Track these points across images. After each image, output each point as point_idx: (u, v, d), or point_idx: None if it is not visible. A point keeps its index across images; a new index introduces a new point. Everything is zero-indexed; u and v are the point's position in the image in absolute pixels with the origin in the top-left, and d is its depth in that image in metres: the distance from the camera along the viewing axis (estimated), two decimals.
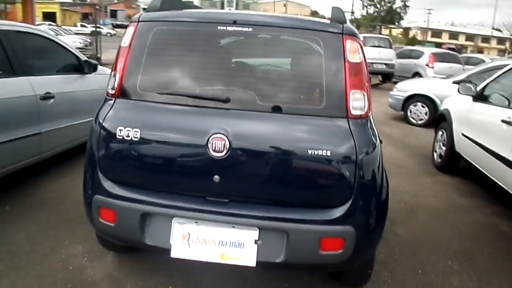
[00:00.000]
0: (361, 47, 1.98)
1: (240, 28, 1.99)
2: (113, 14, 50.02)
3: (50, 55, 4.02)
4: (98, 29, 17.40)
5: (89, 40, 19.92)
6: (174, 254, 1.95)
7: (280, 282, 2.48)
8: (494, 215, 3.81)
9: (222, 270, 2.49)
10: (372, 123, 2.04)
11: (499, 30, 65.34)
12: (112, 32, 38.43)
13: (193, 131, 1.91)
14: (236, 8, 68.42)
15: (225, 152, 1.84)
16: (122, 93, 2.05)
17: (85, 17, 59.36)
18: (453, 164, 4.84)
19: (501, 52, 54.73)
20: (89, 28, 40.05)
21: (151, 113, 2.00)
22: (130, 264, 2.59)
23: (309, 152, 1.84)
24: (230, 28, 1.99)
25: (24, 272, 2.47)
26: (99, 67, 4.53)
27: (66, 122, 3.92)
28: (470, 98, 4.35)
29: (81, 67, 4.29)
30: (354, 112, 1.91)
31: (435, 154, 5.24)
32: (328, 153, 1.84)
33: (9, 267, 2.50)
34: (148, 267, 2.56)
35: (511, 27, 57.89)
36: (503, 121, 3.47)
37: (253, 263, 1.90)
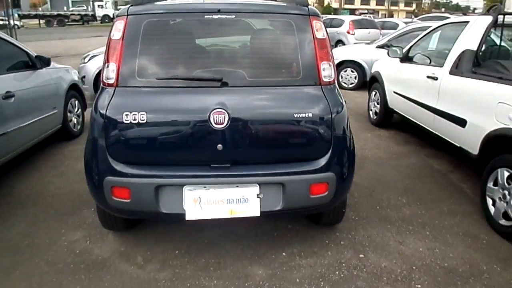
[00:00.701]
0: (324, 25, 2.38)
1: (224, 16, 2.29)
2: (16, 3, 45.85)
3: (1, 53, 3.95)
4: (8, 21, 16.07)
5: None
6: (188, 216, 2.26)
7: (270, 232, 2.89)
8: (427, 157, 4.52)
9: (219, 231, 2.87)
10: (337, 87, 2.46)
11: None
12: (19, 23, 35.44)
13: (195, 109, 2.21)
14: None
15: (225, 123, 2.17)
16: (121, 81, 2.26)
17: None
18: (387, 119, 5.53)
19: (409, 14, 59.02)
20: None
21: (154, 96, 2.25)
22: (133, 239, 2.84)
23: (295, 115, 2.23)
24: (215, 16, 2.29)
25: (32, 263, 2.61)
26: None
27: (28, 119, 3.92)
28: (397, 60, 4.99)
29: (32, 63, 4.26)
30: (325, 79, 2.32)
31: (370, 112, 5.91)
32: (310, 114, 2.24)
33: (15, 261, 2.62)
34: (150, 239, 2.82)
35: None
36: (428, 77, 4.11)
37: (257, 213, 2.28)
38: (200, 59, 2.37)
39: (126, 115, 2.19)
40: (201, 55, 2.39)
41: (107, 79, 2.29)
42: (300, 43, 2.31)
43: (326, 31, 2.39)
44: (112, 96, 2.25)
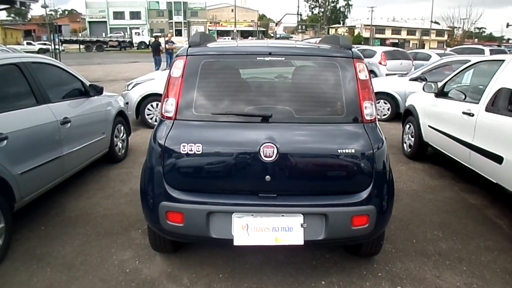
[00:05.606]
0: (367, 67, 2.55)
1: (274, 58, 2.51)
2: (58, 29, 48.77)
3: (60, 81, 4.30)
4: (53, 46, 17.11)
5: None
6: (236, 242, 2.41)
7: (309, 261, 3.00)
8: (462, 191, 4.54)
9: (260, 257, 3.00)
10: (378, 125, 2.60)
11: (437, 23, 70.10)
12: (61, 48, 37.56)
13: (247, 142, 2.39)
14: (184, 16, 68.78)
15: (274, 156, 2.34)
16: (179, 115, 2.48)
17: (27, 34, 57.21)
18: (422, 152, 5.57)
19: (440, 43, 58.89)
20: (37, 46, 39.09)
21: (209, 130, 2.46)
22: (179, 262, 3.00)
23: (338, 151, 2.38)
24: (266, 58, 2.50)
25: (87, 279, 2.81)
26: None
27: (81, 144, 4.22)
28: (432, 94, 5.08)
29: (86, 91, 4.61)
30: (367, 117, 2.48)
31: (405, 145, 5.96)
32: (352, 150, 2.39)
33: (71, 277, 2.83)
34: (195, 262, 2.98)
35: (448, 19, 62.78)
36: (463, 112, 4.19)
37: (301, 242, 2.41)
38: (251, 97, 2.58)
39: (183, 146, 2.39)
40: (252, 92, 2.60)
41: (166, 112, 2.51)
42: (344, 84, 2.49)
43: (368, 72, 2.56)
44: (170, 128, 2.46)
